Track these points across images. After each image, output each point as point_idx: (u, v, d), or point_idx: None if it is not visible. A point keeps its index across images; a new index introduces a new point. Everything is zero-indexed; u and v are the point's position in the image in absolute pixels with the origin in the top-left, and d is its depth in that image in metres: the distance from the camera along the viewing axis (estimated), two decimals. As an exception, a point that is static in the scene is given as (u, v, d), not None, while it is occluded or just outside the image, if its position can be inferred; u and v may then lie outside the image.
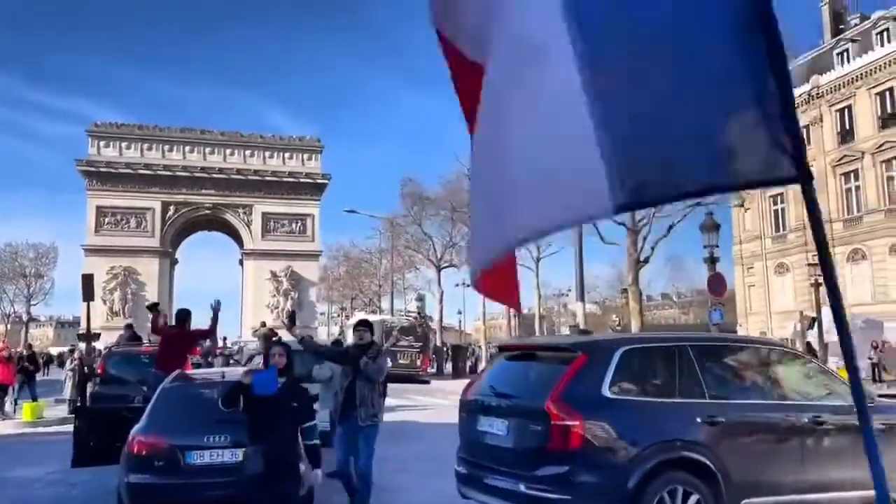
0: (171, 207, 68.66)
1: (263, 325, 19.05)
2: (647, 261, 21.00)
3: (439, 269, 36.35)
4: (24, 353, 20.90)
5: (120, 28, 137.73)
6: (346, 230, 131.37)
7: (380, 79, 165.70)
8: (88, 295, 19.75)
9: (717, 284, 18.50)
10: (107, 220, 67.08)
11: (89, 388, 14.73)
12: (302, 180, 70.87)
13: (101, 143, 67.58)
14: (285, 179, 70.41)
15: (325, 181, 71.65)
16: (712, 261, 18.64)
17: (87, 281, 19.70)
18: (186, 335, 10.63)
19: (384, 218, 40.92)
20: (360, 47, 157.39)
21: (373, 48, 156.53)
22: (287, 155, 72.09)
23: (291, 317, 10.57)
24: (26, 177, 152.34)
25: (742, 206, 28.17)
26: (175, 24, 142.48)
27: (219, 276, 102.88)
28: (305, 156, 72.73)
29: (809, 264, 27.06)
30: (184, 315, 11.10)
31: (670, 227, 20.86)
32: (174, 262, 73.03)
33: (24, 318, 52.62)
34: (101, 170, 66.24)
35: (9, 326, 57.54)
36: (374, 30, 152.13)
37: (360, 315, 42.55)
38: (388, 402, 14.10)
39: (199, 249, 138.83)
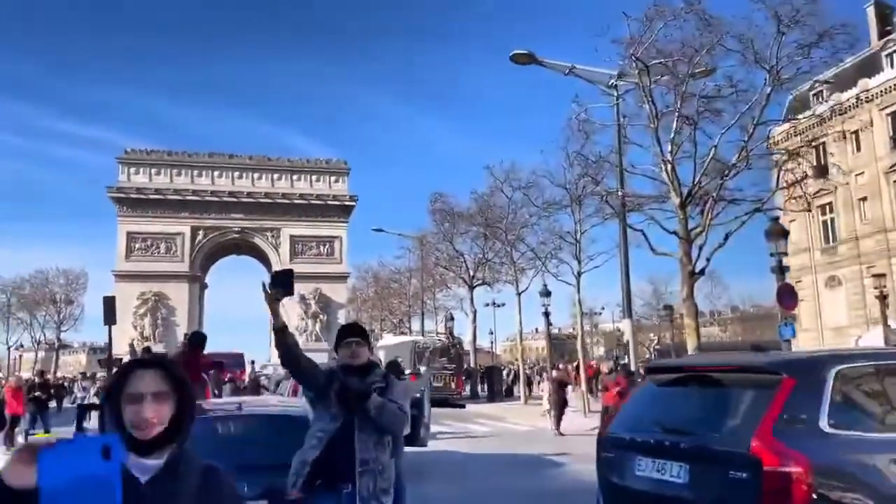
0: (200, 232, 68.23)
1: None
2: (702, 272, 18.84)
3: (471, 288, 34.34)
4: (35, 380, 18.86)
5: (146, 59, 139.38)
6: (374, 250, 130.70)
7: (402, 103, 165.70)
8: (110, 318, 18.19)
9: (788, 296, 16.28)
10: (137, 245, 66.73)
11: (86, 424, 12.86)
12: (329, 202, 70.32)
13: (132, 170, 67.47)
14: (313, 202, 69.86)
15: (353, 203, 70.93)
16: (781, 270, 16.46)
17: (109, 304, 18.14)
18: (198, 361, 9.08)
19: (413, 236, 39.17)
20: (379, 73, 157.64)
21: (391, 72, 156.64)
22: (314, 178, 71.61)
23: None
24: (56, 205, 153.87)
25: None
26: (200, 56, 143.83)
27: (247, 300, 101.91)
28: (332, 178, 72.19)
29: (875, 275, 24.66)
30: (197, 339, 9.63)
31: (727, 236, 18.71)
32: (203, 286, 72.46)
33: (56, 344, 51.63)
34: (132, 196, 66.02)
35: (42, 353, 56.74)
36: (392, 55, 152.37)
37: (389, 338, 40.65)
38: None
39: (228, 274, 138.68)
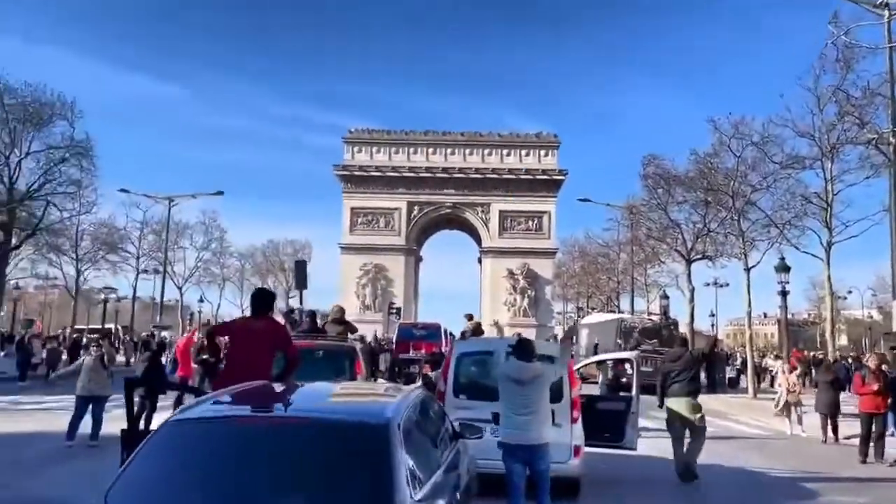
0: (416, 207, 69.67)
1: (470, 317, 14.87)
2: None
3: (689, 262, 29.56)
4: (204, 342, 17.39)
5: (373, 49, 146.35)
6: (580, 222, 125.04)
7: (617, 69, 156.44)
8: (302, 282, 17.18)
9: None
10: (359, 220, 69.77)
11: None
12: (538, 177, 68.20)
13: (355, 149, 70.53)
14: (522, 177, 68.22)
15: (562, 177, 68.08)
16: None
17: (301, 267, 17.04)
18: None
19: (622, 206, 35.04)
20: (593, 40, 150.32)
21: (608, 40, 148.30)
22: (524, 152, 69.93)
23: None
24: (286, 183, 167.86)
25: None
26: (411, 40, 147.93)
27: (459, 274, 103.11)
28: (542, 152, 69.99)
29: None
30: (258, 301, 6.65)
31: None
32: (419, 259, 74.08)
33: (286, 309, 55.06)
34: (355, 173, 69.03)
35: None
36: (609, 22, 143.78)
37: (592, 316, 37.06)
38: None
39: (440, 248, 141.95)
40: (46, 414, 14.80)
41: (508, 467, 6.15)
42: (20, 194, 22.35)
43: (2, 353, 23.63)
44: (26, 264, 35.98)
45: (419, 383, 11.21)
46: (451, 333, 32.15)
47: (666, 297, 34.82)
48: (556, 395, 7.32)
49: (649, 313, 33.90)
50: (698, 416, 9.66)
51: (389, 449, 3.25)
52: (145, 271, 37.51)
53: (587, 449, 8.50)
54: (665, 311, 33.38)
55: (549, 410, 6.45)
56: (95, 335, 24.35)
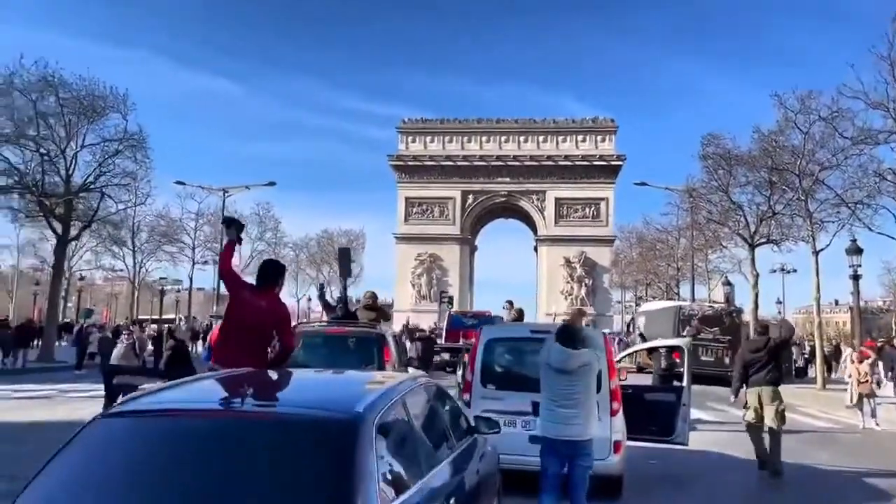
0: (470, 196, 69.16)
1: (511, 304, 14.16)
2: None
3: (752, 247, 27.92)
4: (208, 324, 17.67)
5: (434, 40, 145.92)
6: (637, 208, 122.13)
7: (675, 51, 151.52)
8: (346, 270, 16.82)
9: None
10: (414, 209, 69.70)
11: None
12: (595, 163, 66.72)
13: (409, 139, 70.41)
14: (578, 163, 66.85)
15: (619, 162, 66.44)
16: None
17: (344, 255, 16.66)
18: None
19: (680, 190, 33.52)
20: (650, 25, 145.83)
21: (666, 22, 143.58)
22: (580, 138, 68.44)
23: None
24: (340, 173, 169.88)
25: None
26: (465, 29, 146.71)
27: (515, 263, 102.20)
28: (599, 137, 68.36)
29: None
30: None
31: None
32: (474, 249, 73.54)
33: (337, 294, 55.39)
34: (409, 163, 68.94)
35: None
36: (667, 9, 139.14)
37: (650, 303, 35.71)
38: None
39: (495, 237, 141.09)
40: (92, 402, 14.92)
41: (545, 464, 5.49)
42: (76, 187, 22.74)
43: (63, 343, 24.30)
44: (90, 256, 37.41)
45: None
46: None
47: (729, 283, 33.17)
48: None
49: (711, 301, 32.37)
50: (779, 406, 8.92)
51: (355, 448, 2.65)
52: (205, 262, 38.21)
53: (632, 443, 7.79)
54: (727, 298, 31.80)
55: (595, 403, 5.80)
56: (166, 325, 24.89)
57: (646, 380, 13.81)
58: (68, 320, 37.11)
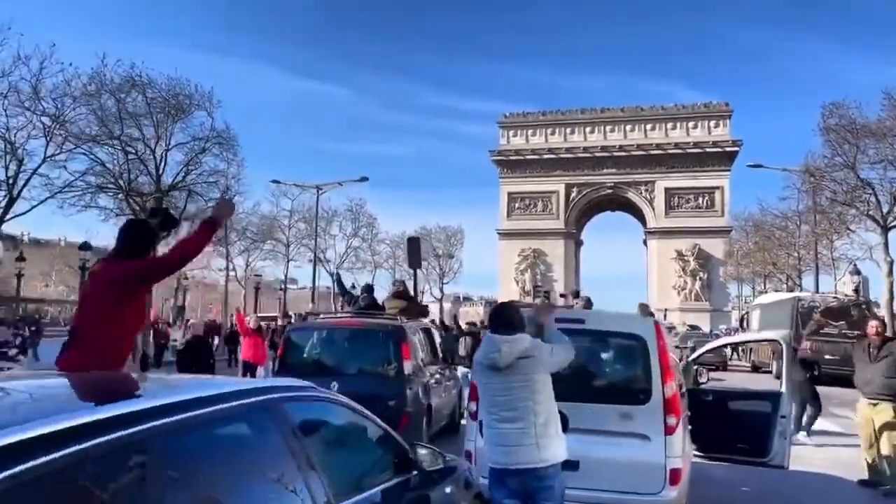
0: (574, 189, 66.81)
1: (547, 294, 12.51)
2: None
3: (886, 230, 24.29)
4: (281, 323, 15.97)
5: (534, 33, 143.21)
6: (753, 193, 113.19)
7: (794, 35, 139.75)
8: (416, 260, 15.78)
9: None
10: (516, 205, 68.24)
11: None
12: (708, 150, 62.39)
13: (510, 133, 69.00)
14: (689, 151, 62.77)
15: (735, 148, 61.62)
16: None
17: (414, 245, 15.66)
18: None
19: (800, 171, 29.94)
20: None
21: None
22: (691, 124, 64.27)
23: None
24: (438, 172, 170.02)
25: None
26: (566, 20, 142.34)
27: (623, 257, 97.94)
28: (712, 123, 63.89)
29: None
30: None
31: None
32: (579, 243, 70.93)
33: (441, 296, 54.88)
34: (511, 158, 67.52)
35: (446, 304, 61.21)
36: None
37: (767, 296, 32.19)
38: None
39: (602, 231, 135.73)
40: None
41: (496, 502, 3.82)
42: (166, 186, 23.13)
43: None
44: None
45: None
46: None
47: (857, 271, 29.22)
48: (639, 393, 4.94)
49: (836, 293, 28.65)
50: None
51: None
52: (308, 261, 38.69)
53: (719, 463, 5.97)
54: (857, 288, 28.02)
55: (552, 410, 3.90)
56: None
57: (763, 381, 11.53)
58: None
